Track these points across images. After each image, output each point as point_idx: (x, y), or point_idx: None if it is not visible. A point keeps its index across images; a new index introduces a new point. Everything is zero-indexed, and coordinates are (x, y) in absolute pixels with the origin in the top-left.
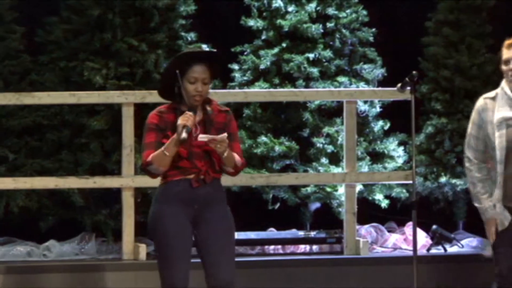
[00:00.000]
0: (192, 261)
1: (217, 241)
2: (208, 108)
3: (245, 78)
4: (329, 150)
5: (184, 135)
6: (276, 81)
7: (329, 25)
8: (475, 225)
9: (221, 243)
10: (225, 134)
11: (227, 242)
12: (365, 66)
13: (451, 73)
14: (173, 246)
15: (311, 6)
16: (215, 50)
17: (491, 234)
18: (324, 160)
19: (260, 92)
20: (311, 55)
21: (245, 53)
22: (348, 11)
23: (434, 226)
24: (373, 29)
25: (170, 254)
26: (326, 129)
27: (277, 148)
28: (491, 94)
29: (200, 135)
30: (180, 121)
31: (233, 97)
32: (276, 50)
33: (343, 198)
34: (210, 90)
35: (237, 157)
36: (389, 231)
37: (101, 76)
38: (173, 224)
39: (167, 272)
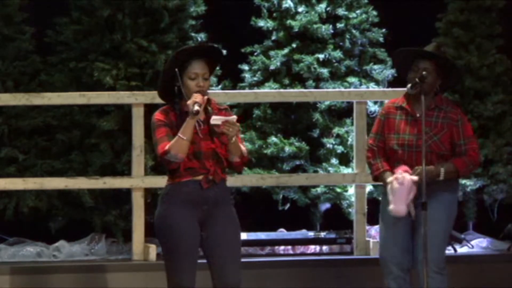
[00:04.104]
0: (198, 261)
1: (225, 243)
2: (209, 108)
3: (255, 78)
4: (339, 151)
5: (196, 107)
6: (286, 81)
7: (339, 25)
8: (485, 225)
9: (228, 245)
10: (235, 116)
11: (234, 243)
12: (375, 66)
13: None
14: (180, 247)
15: (321, 7)
16: (213, 44)
17: None
18: (334, 160)
19: (270, 92)
20: (321, 56)
21: (255, 53)
22: (358, 11)
23: None
24: (383, 30)
25: (177, 254)
26: (336, 130)
27: (287, 148)
28: None
29: (213, 117)
30: (190, 101)
31: (243, 97)
32: (286, 50)
33: (353, 199)
34: (221, 91)
35: (242, 146)
36: None
37: (111, 76)
38: (180, 224)
39: (174, 273)
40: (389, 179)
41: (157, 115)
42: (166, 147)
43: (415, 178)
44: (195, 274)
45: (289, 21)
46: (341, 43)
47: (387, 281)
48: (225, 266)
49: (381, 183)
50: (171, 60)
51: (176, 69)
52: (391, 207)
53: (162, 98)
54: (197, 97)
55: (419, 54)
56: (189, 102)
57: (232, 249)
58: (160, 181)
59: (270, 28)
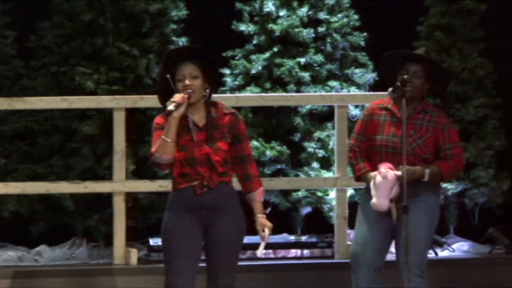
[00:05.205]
0: (201, 265)
1: (219, 246)
2: (213, 112)
3: (236, 82)
4: (320, 155)
5: (171, 106)
6: (268, 85)
7: (321, 29)
8: (466, 229)
9: (223, 248)
10: (267, 232)
11: (229, 247)
12: (356, 70)
13: None
14: (177, 251)
15: (303, 11)
16: (198, 46)
17: None
18: (315, 164)
19: (251, 96)
20: (302, 60)
21: (237, 57)
22: (339, 15)
23: None
24: (365, 34)
25: (174, 258)
26: (317, 134)
27: (268, 152)
28: None
29: (258, 251)
30: (169, 101)
31: (224, 101)
32: (267, 54)
33: (334, 203)
34: None
35: (257, 179)
36: None
37: (92, 81)
38: (178, 230)
39: (169, 276)
40: (373, 173)
41: (157, 119)
42: (153, 149)
43: (399, 173)
44: (194, 278)
45: (270, 25)
46: (322, 47)
47: (356, 278)
48: (217, 269)
49: (362, 187)
50: (162, 65)
51: (168, 76)
52: (373, 200)
53: (162, 105)
54: (175, 97)
55: (409, 58)
56: (168, 102)
57: (226, 253)
58: (141, 186)
59: (252, 32)
